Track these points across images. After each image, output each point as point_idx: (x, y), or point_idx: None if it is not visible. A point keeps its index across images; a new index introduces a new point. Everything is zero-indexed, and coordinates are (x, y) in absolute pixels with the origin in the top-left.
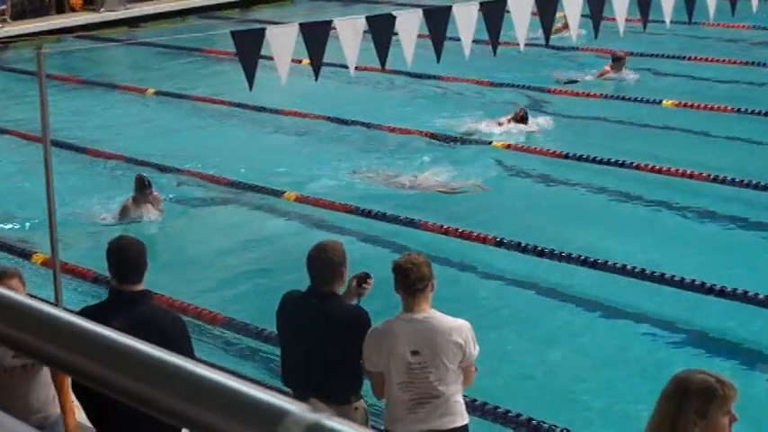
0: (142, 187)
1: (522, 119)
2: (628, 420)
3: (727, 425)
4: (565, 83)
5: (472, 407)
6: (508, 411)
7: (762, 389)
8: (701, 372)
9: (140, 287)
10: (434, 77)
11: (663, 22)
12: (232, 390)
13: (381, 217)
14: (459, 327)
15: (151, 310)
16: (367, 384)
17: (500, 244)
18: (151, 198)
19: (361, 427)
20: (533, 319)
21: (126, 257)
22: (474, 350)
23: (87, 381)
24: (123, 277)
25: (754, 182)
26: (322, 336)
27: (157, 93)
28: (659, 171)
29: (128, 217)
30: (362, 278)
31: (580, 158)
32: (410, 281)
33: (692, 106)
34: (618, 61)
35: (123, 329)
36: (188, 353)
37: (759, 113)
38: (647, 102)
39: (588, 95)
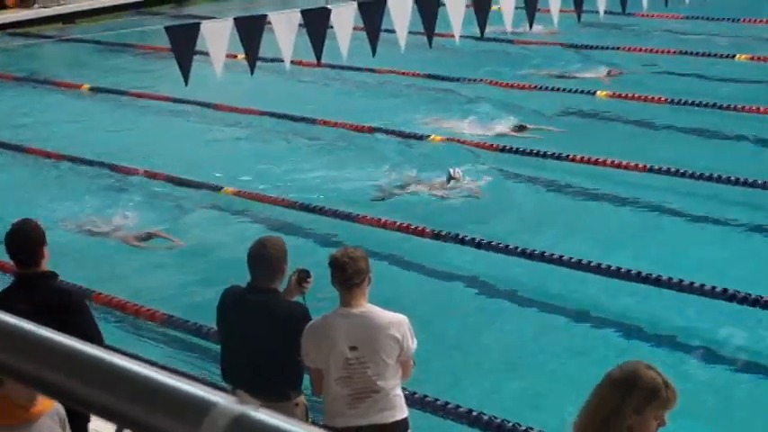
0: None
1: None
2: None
3: (655, 428)
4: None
5: (412, 399)
6: (447, 403)
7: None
8: (652, 368)
9: (41, 269)
10: (394, 72)
11: (597, 11)
12: (156, 382)
13: (320, 211)
14: (396, 321)
15: (50, 291)
16: (308, 380)
17: (437, 236)
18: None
19: (286, 418)
20: (471, 310)
21: (21, 240)
22: (412, 344)
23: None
24: (21, 261)
25: (689, 172)
26: (261, 332)
27: (93, 89)
28: (590, 162)
29: None
30: (303, 276)
31: (517, 151)
32: (347, 275)
33: (625, 97)
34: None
35: (26, 313)
36: (88, 328)
37: (694, 104)
38: (583, 92)
39: (524, 87)
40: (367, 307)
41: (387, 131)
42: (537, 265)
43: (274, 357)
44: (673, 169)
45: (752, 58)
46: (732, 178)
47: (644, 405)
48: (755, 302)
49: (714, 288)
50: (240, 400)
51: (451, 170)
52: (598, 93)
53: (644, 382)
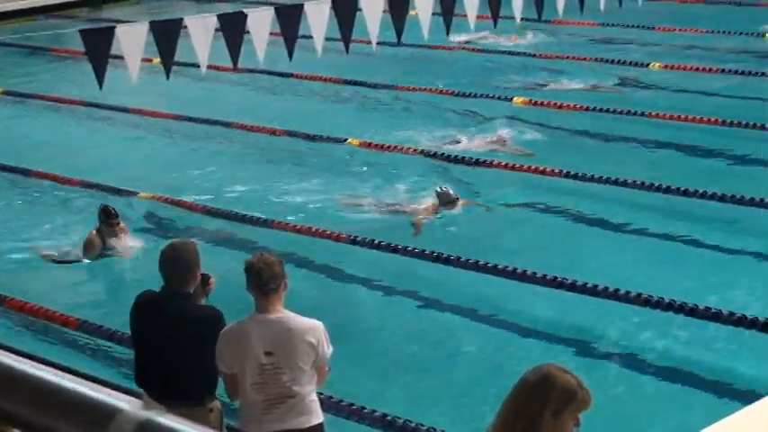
0: (108, 217)
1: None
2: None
3: (571, 429)
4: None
5: (328, 404)
6: (363, 408)
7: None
8: (566, 371)
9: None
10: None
11: (513, 18)
12: (59, 387)
13: (234, 217)
14: (312, 327)
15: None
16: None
17: (354, 242)
18: (118, 229)
19: (191, 423)
20: (389, 317)
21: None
22: (327, 350)
23: None
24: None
25: (598, 176)
26: (175, 336)
27: (6, 92)
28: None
29: (94, 251)
30: (204, 278)
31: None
32: (262, 281)
33: (541, 104)
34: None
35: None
36: None
37: (608, 111)
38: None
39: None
40: (283, 312)
41: (305, 136)
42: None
43: (188, 362)
44: (588, 175)
45: (665, 67)
46: (646, 183)
47: (562, 408)
48: (669, 306)
49: (627, 292)
50: (146, 406)
51: (440, 189)
52: (515, 100)
53: (560, 386)
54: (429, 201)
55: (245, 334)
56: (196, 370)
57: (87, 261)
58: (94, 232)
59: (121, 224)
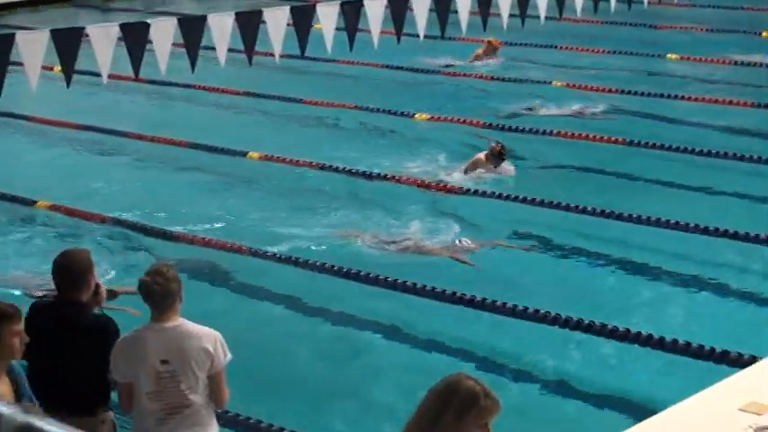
0: None
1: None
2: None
3: None
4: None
5: (224, 417)
6: (260, 422)
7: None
8: (471, 378)
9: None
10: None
11: (417, 35)
12: None
13: (134, 227)
14: (207, 334)
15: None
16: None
17: (254, 254)
18: None
19: (71, 429)
20: (292, 328)
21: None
22: (224, 359)
23: None
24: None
25: (497, 193)
26: (68, 345)
27: None
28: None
29: None
30: (96, 286)
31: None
32: (155, 300)
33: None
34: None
35: None
36: None
37: (511, 129)
38: (402, 114)
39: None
40: (179, 321)
41: (206, 147)
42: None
43: (80, 372)
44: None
45: (568, 85)
46: (554, 203)
47: (463, 413)
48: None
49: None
50: (25, 411)
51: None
52: (417, 116)
53: (463, 391)
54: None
55: (141, 342)
56: (88, 380)
57: None
58: None
59: None
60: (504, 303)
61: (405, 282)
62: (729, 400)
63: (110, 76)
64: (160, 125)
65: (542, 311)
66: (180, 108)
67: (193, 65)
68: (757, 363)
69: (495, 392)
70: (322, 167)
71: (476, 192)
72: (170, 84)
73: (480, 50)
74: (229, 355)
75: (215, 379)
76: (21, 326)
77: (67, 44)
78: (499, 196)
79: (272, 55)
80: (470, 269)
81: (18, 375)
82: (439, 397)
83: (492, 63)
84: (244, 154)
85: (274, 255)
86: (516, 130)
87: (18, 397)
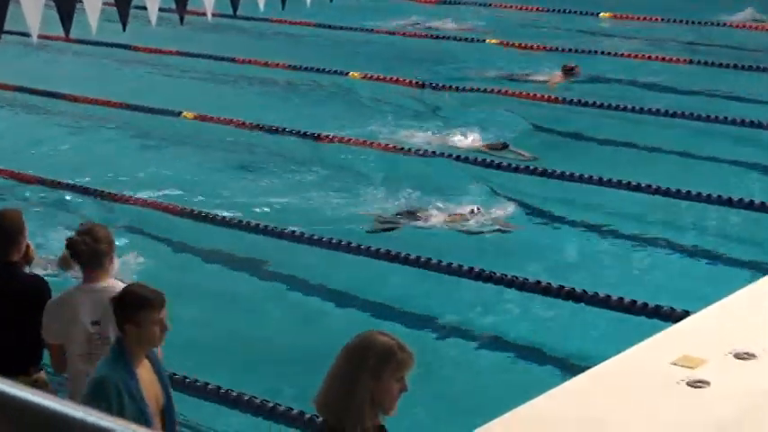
0: None
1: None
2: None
3: (397, 392)
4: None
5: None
6: (207, 384)
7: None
8: (385, 334)
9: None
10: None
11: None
12: None
13: (70, 188)
14: None
15: None
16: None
17: (191, 215)
18: None
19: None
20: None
21: None
22: None
23: None
24: None
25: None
26: (0, 306)
27: None
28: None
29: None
30: (26, 246)
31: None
32: (84, 258)
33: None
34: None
35: None
36: None
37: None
38: (336, 72)
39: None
40: (110, 282)
41: (141, 108)
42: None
43: (11, 332)
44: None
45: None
46: (487, 161)
47: (381, 369)
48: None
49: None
50: None
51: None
52: (351, 74)
53: (378, 347)
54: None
55: (72, 304)
56: (19, 340)
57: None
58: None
59: None
60: (440, 261)
61: (330, 239)
62: (662, 354)
63: (40, 37)
64: (92, 86)
65: (477, 269)
66: (112, 68)
67: (124, 24)
68: (690, 317)
69: (408, 346)
70: (256, 127)
71: (408, 150)
72: (101, 44)
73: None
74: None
75: None
76: (163, 314)
77: None
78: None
79: (204, 14)
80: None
81: (155, 358)
82: (354, 355)
83: None
84: (178, 114)
85: (212, 216)
86: (458, 89)
87: (159, 379)
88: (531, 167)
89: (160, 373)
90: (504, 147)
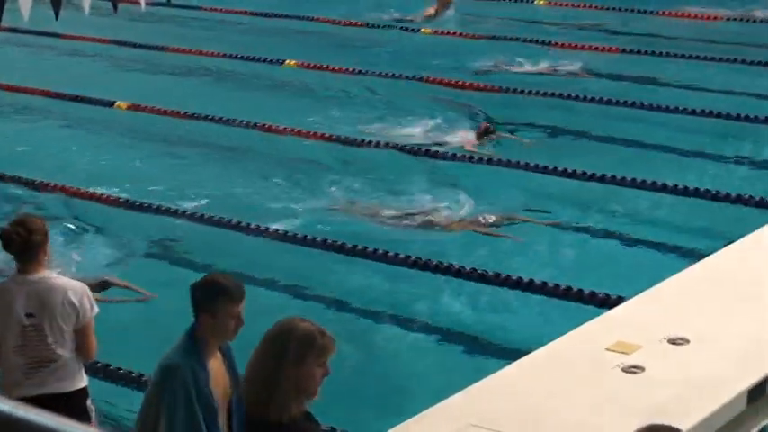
0: None
1: (486, 132)
2: None
3: (320, 377)
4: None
5: (93, 368)
6: (131, 372)
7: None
8: (305, 321)
9: None
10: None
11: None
12: None
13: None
14: (74, 287)
15: None
16: None
17: (119, 203)
18: None
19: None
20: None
21: None
22: (90, 312)
23: None
24: None
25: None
26: None
27: None
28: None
29: None
30: None
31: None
32: (15, 249)
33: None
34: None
35: None
36: None
37: None
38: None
39: None
40: (45, 273)
41: (73, 98)
42: None
43: None
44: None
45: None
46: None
47: (303, 354)
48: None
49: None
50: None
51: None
52: (286, 63)
53: (299, 333)
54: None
55: (6, 295)
56: None
57: None
58: None
59: None
60: (375, 250)
61: (267, 228)
62: (597, 340)
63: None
64: (23, 74)
65: (413, 257)
66: (45, 57)
67: (57, 12)
68: (624, 303)
69: (328, 331)
70: (191, 116)
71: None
72: (34, 32)
73: (432, 9)
74: (96, 309)
75: (82, 332)
76: (241, 307)
77: None
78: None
79: (137, 2)
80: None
81: (228, 350)
82: (276, 342)
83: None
84: (111, 104)
85: (146, 205)
86: (380, 75)
87: (229, 372)
88: (460, 155)
89: (233, 368)
90: (488, 131)
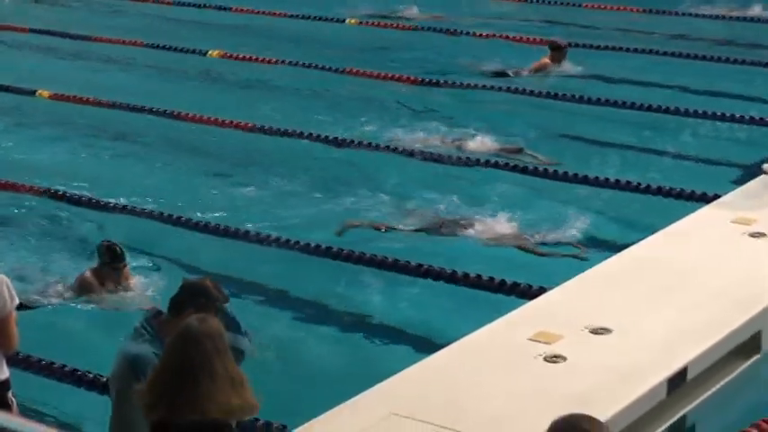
0: (114, 260)
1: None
2: None
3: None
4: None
5: (15, 360)
6: (52, 363)
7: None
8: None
9: None
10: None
11: None
12: None
13: None
14: None
15: None
16: None
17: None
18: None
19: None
20: None
21: None
22: (11, 303)
23: None
24: None
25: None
26: None
27: None
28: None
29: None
30: None
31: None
32: None
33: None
34: (557, 51)
35: None
36: None
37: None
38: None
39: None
40: None
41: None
42: None
43: None
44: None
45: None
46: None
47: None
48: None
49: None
50: None
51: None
52: (210, 53)
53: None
54: None
55: None
56: None
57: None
58: (89, 273)
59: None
60: (288, 240)
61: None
62: (519, 330)
63: None
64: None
65: (335, 248)
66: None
67: None
68: (546, 294)
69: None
70: (113, 106)
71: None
72: None
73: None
74: (17, 300)
75: (2, 324)
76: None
77: None
78: None
79: None
80: None
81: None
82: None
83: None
84: (33, 92)
85: (68, 195)
86: (323, 68)
87: None
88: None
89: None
90: (519, 150)
